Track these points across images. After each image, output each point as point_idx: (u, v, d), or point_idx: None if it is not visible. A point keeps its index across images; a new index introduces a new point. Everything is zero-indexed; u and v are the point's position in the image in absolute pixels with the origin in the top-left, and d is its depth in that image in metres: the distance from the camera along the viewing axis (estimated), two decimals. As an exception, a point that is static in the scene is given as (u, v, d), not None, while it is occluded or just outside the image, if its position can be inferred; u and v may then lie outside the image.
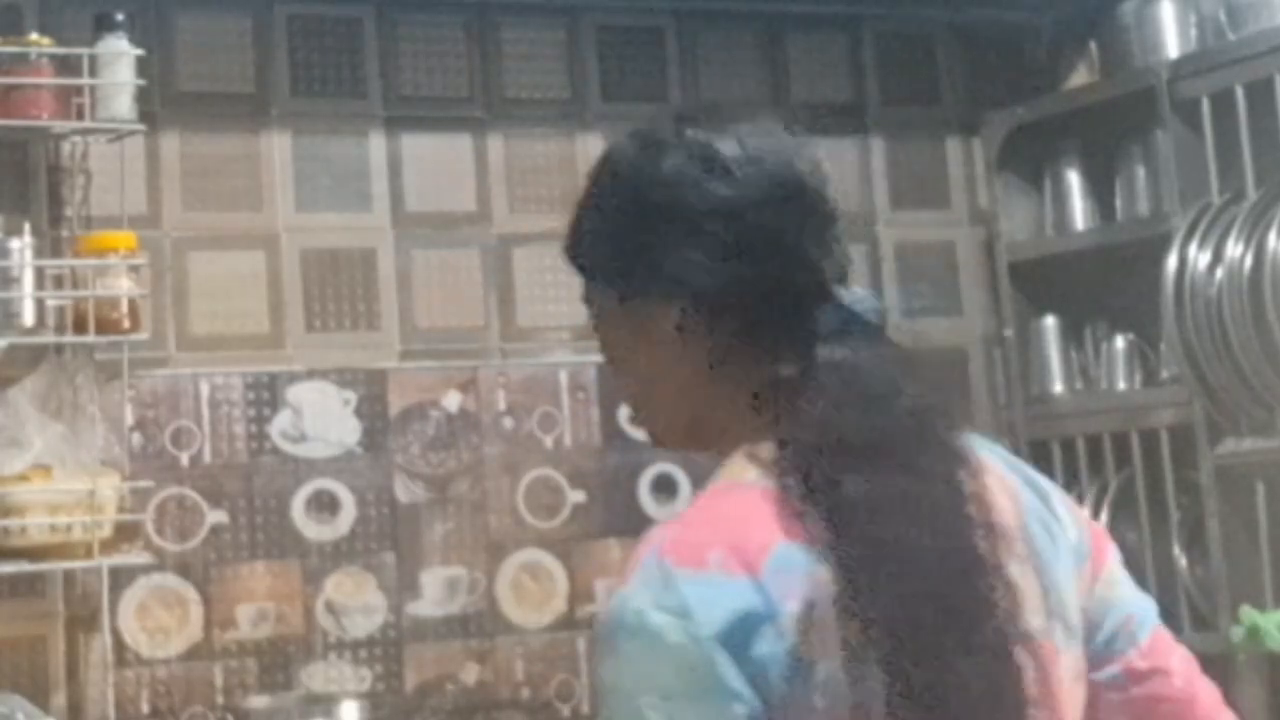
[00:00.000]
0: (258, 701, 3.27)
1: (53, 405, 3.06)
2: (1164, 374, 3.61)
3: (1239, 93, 3.31)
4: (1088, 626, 1.47)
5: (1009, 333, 3.86)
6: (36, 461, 2.97)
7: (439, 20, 3.61)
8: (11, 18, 3.21)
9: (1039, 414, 3.80)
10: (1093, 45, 3.82)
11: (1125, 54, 3.69)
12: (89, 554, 2.97)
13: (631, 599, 1.29)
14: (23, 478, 2.95)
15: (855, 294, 1.42)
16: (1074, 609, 1.45)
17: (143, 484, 3.12)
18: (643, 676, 1.26)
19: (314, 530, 3.36)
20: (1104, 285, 3.81)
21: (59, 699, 3.11)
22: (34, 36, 3.09)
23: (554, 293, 3.58)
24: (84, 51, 3.07)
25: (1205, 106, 3.38)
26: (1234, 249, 3.26)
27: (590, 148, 3.66)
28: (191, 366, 3.32)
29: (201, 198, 3.38)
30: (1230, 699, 1.58)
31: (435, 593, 3.43)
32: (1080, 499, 3.65)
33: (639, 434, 3.59)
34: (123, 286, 3.07)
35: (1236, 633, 3.24)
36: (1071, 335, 3.84)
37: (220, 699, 3.25)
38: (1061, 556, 1.45)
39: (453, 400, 3.49)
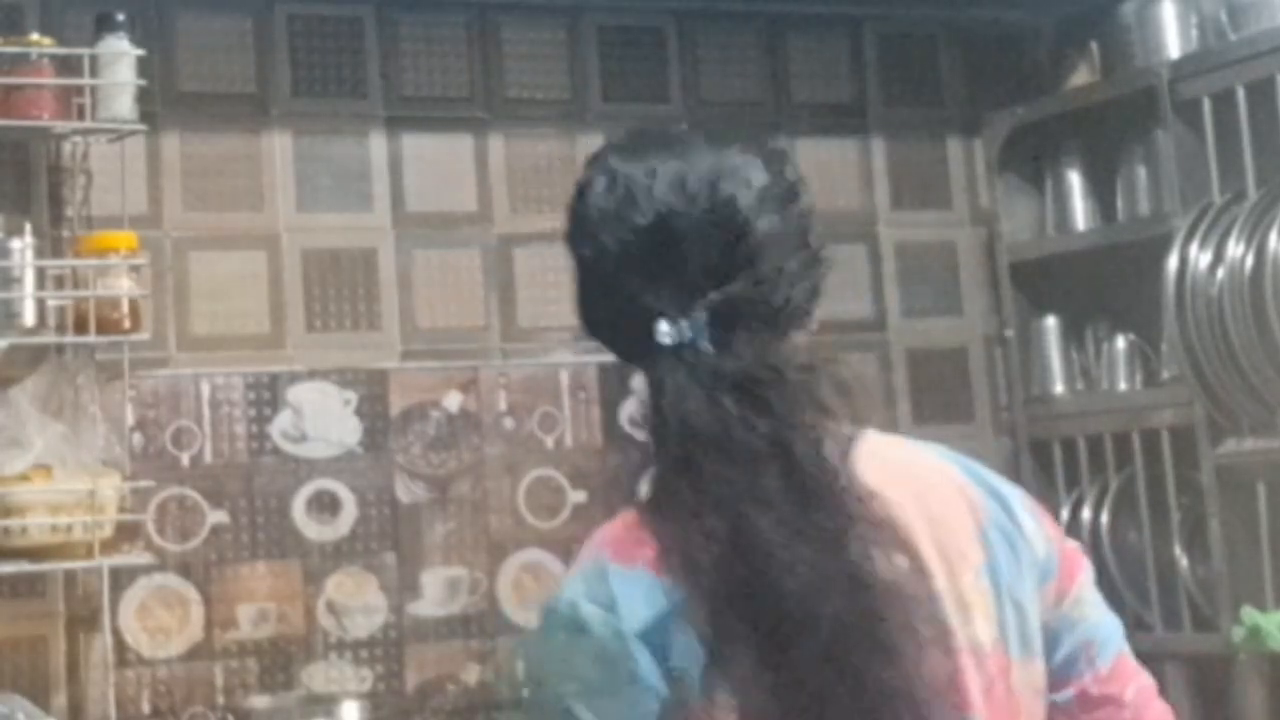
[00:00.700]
0: (258, 701, 3.27)
1: (54, 405, 3.06)
2: (1165, 374, 3.60)
3: (1240, 93, 3.31)
4: (1048, 643, 1.47)
5: (1009, 333, 3.86)
6: (37, 461, 2.97)
7: (439, 20, 3.61)
8: (12, 18, 3.21)
9: (1040, 414, 3.80)
10: (1093, 45, 3.82)
11: (1126, 54, 3.69)
12: (90, 554, 2.97)
13: (568, 588, 1.37)
14: (23, 478, 2.94)
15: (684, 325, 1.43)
16: (1034, 623, 1.45)
17: (143, 484, 3.12)
18: (567, 666, 1.33)
19: (315, 530, 3.36)
20: (1105, 285, 3.82)
21: (59, 699, 3.11)
22: (35, 37, 3.09)
23: (554, 293, 3.58)
24: (85, 51, 3.07)
25: (1206, 107, 3.38)
26: (1235, 249, 3.25)
27: (590, 148, 3.65)
28: (192, 366, 3.32)
29: (202, 198, 3.38)
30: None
31: (436, 593, 3.43)
32: (1081, 499, 3.66)
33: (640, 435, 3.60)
34: (123, 286, 3.07)
35: (1237, 633, 3.24)
36: (1072, 335, 3.84)
37: (221, 699, 3.25)
38: (1023, 570, 1.45)
39: (453, 400, 3.49)
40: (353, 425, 3.41)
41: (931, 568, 1.38)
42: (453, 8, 3.62)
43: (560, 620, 1.35)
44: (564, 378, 3.56)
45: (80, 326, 3.03)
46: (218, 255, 3.38)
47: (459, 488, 3.47)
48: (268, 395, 3.36)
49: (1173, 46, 3.60)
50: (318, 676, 3.32)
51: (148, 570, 3.20)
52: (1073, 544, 1.55)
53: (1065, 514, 3.63)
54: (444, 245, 3.55)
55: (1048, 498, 3.38)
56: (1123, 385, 3.72)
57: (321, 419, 3.39)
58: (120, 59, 3.09)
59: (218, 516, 3.30)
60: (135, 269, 3.09)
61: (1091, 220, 3.82)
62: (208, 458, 3.31)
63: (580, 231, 1.48)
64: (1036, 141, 3.87)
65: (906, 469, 1.47)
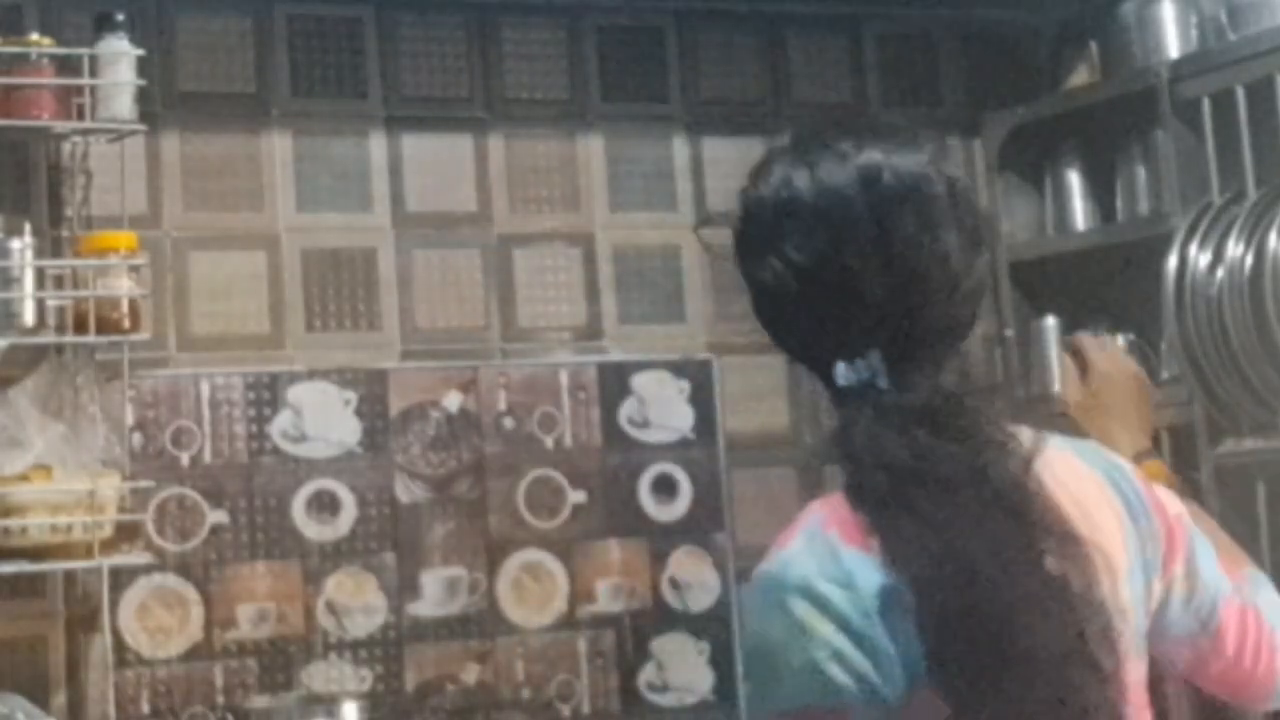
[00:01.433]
0: (258, 701, 3.27)
1: (53, 405, 3.06)
2: (1164, 374, 3.60)
3: (1239, 93, 3.31)
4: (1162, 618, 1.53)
5: (1009, 332, 3.86)
6: (37, 461, 2.97)
7: (439, 20, 3.61)
8: (12, 18, 3.21)
9: (1040, 414, 3.80)
10: (1093, 45, 3.82)
11: (1126, 54, 3.69)
12: (89, 554, 2.97)
13: (795, 564, 1.39)
14: (23, 478, 2.95)
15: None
16: (1139, 617, 1.48)
17: (143, 484, 3.12)
18: (814, 633, 1.35)
19: (314, 530, 3.36)
20: (1104, 285, 3.81)
21: (59, 699, 3.12)
22: (34, 36, 3.09)
23: (554, 293, 3.59)
24: (84, 51, 3.07)
25: (1206, 106, 3.38)
26: (1234, 249, 3.25)
27: (590, 148, 3.67)
28: (192, 366, 3.32)
29: (202, 198, 3.38)
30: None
31: (435, 593, 3.43)
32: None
33: (639, 434, 3.60)
34: (123, 286, 3.07)
35: (1237, 633, 3.24)
36: (1072, 335, 3.84)
37: (221, 699, 3.25)
38: (1148, 575, 1.50)
39: (453, 400, 3.49)
40: (352, 425, 3.41)
41: (1100, 577, 1.42)
42: (453, 8, 3.62)
43: (798, 593, 1.37)
44: (564, 378, 3.56)
45: (80, 326, 3.03)
46: (218, 255, 3.38)
47: (458, 488, 3.47)
48: (268, 395, 3.36)
49: (1172, 46, 3.60)
50: (317, 676, 3.32)
51: (147, 570, 3.20)
52: (1179, 523, 1.60)
53: (1065, 514, 3.62)
54: (444, 245, 3.55)
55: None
56: (1122, 385, 3.71)
57: (321, 419, 3.39)
58: (120, 59, 3.09)
59: (217, 516, 3.30)
60: (135, 269, 3.09)
61: (1091, 220, 3.82)
62: (207, 458, 3.31)
63: (749, 254, 1.47)
64: (1036, 141, 3.87)
65: (1070, 476, 1.50)
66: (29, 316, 2.99)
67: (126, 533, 3.08)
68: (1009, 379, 3.88)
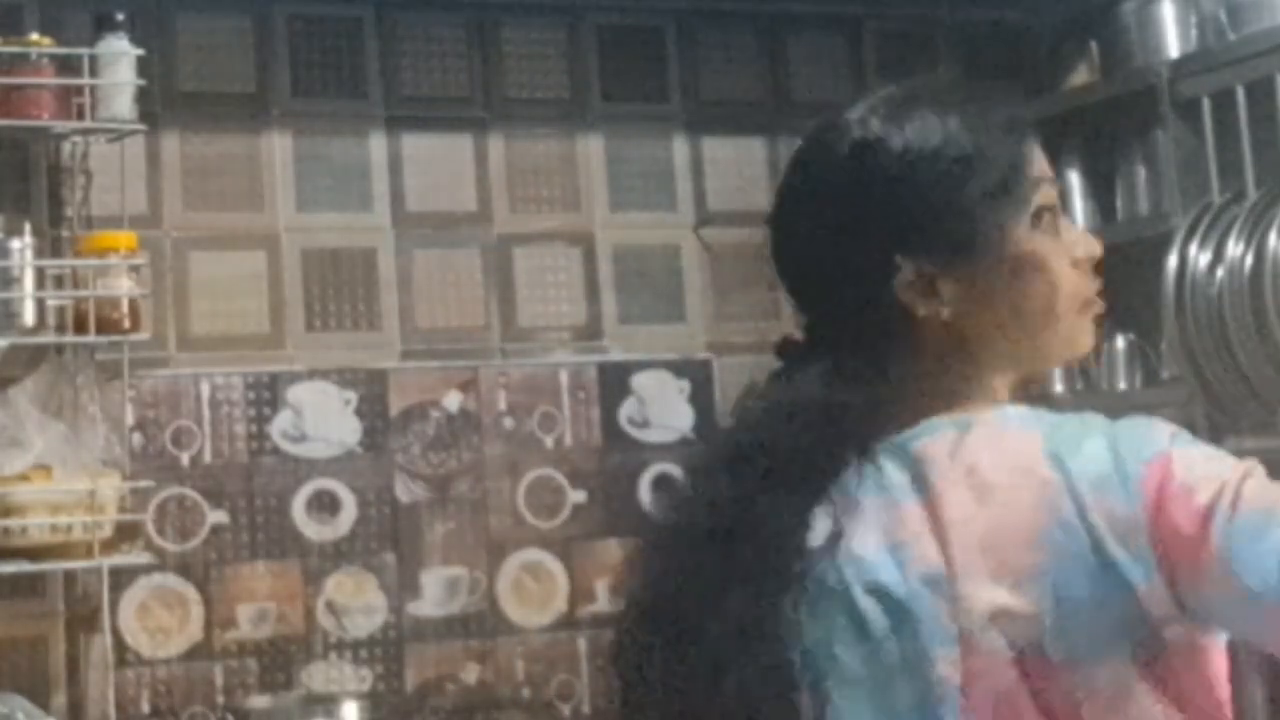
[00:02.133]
0: (258, 701, 3.27)
1: (53, 405, 3.06)
2: (1164, 374, 3.60)
3: (1239, 93, 3.31)
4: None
5: (1009, 332, 3.85)
6: (37, 461, 2.97)
7: (439, 20, 3.61)
8: (12, 18, 3.21)
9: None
10: (1093, 45, 3.82)
11: (1126, 54, 3.69)
12: (89, 554, 2.97)
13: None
14: (23, 478, 2.95)
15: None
16: (1106, 623, 1.36)
17: (143, 484, 3.12)
18: None
19: (314, 530, 3.36)
20: (1104, 285, 3.80)
21: (59, 699, 3.12)
22: (34, 36, 3.09)
23: (554, 293, 3.59)
24: (84, 51, 3.07)
25: (1206, 106, 3.38)
26: (1234, 249, 3.25)
27: (590, 148, 3.67)
28: (192, 366, 3.32)
29: (202, 198, 3.38)
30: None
31: (436, 593, 3.43)
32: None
33: (639, 434, 3.59)
34: (123, 286, 3.07)
35: (1237, 632, 3.23)
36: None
37: (221, 699, 3.25)
38: (1104, 571, 1.37)
39: (453, 400, 3.49)
40: (352, 425, 3.42)
41: (958, 571, 1.35)
42: (453, 8, 3.62)
43: None
44: (564, 377, 3.56)
45: (80, 326, 3.03)
46: (217, 255, 3.38)
47: (459, 487, 3.47)
48: (267, 395, 3.36)
49: (1172, 46, 3.60)
50: (317, 676, 3.33)
51: (147, 570, 3.20)
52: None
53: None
54: (444, 245, 3.55)
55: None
56: (1122, 385, 3.71)
57: (321, 419, 3.39)
58: (120, 59, 3.09)
59: (217, 516, 3.30)
60: (135, 269, 3.09)
61: (1091, 220, 3.81)
62: (207, 457, 3.31)
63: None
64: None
65: (984, 462, 1.43)
66: (29, 316, 2.99)
67: (126, 533, 3.08)
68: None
